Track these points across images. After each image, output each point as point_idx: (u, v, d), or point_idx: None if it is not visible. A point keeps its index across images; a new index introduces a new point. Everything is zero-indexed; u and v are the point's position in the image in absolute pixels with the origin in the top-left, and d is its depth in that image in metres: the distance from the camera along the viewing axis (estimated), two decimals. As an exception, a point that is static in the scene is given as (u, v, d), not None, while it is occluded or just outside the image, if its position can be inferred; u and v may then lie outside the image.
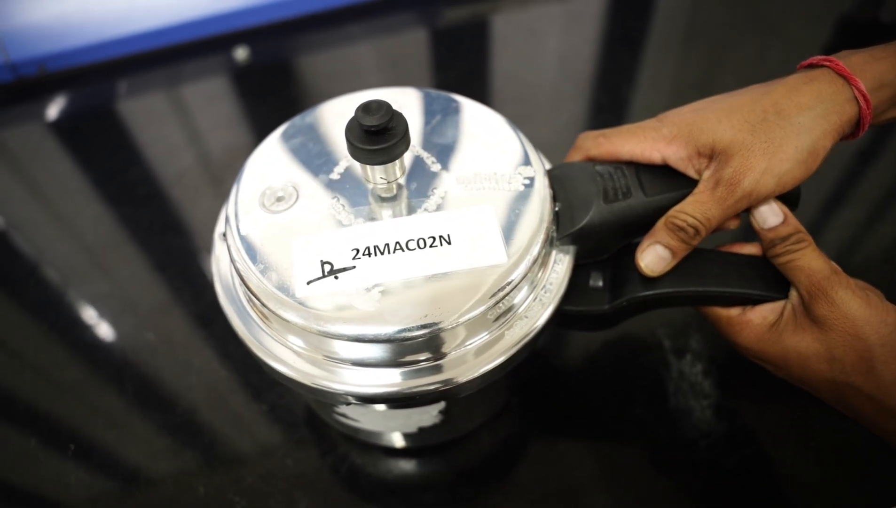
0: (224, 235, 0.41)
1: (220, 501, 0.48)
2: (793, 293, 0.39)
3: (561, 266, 0.40)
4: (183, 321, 0.58)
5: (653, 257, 0.40)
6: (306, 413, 0.52)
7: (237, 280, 0.39)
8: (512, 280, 0.36)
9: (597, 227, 0.40)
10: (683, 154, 0.40)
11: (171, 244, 0.63)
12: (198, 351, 0.55)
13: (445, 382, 0.36)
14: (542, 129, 0.71)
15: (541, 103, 0.75)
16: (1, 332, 0.59)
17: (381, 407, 0.41)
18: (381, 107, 0.34)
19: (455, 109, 0.44)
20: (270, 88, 0.78)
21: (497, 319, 0.37)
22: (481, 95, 0.76)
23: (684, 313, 0.55)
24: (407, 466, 0.49)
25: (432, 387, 0.36)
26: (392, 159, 0.36)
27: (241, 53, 0.80)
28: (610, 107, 0.74)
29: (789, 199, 0.41)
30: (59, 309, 0.60)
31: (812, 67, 0.40)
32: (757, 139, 0.37)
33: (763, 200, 0.39)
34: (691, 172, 0.40)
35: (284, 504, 0.47)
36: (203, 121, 0.75)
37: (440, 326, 0.34)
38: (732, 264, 0.41)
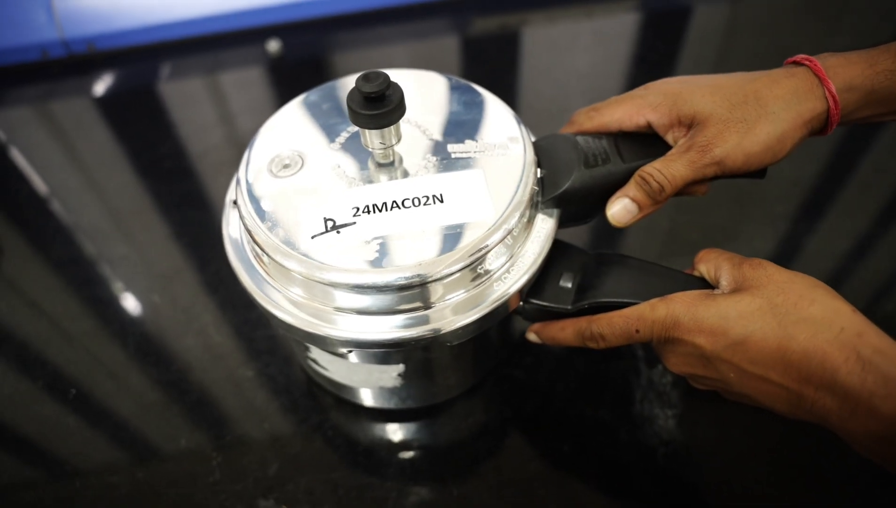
0: (234, 200, 0.45)
1: (199, 454, 0.51)
2: (722, 283, 0.40)
3: (546, 225, 0.44)
4: (187, 288, 0.61)
5: (620, 208, 0.43)
6: (287, 381, 0.55)
7: (246, 238, 0.43)
8: (499, 233, 0.39)
9: (578, 190, 0.43)
10: (666, 120, 0.43)
11: (187, 216, 0.67)
12: (197, 316, 0.59)
13: (435, 331, 0.39)
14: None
15: (561, 117, 0.77)
16: (25, 282, 0.64)
17: (363, 355, 0.44)
18: (379, 76, 0.38)
19: (455, 88, 0.48)
20: (301, 80, 0.82)
21: (484, 273, 0.40)
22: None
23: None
24: (378, 433, 0.52)
25: (424, 335, 0.39)
26: (388, 124, 0.39)
27: (273, 46, 0.84)
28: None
29: (757, 172, 0.44)
30: (79, 265, 0.64)
31: (796, 63, 0.43)
32: (734, 116, 0.41)
33: (729, 172, 0.42)
34: (669, 139, 0.44)
35: (257, 464, 0.51)
36: (234, 105, 0.80)
37: (431, 274, 0.38)
38: (670, 279, 0.43)
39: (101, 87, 0.83)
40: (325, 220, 0.40)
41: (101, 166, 0.74)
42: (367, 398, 0.52)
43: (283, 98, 0.80)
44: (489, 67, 0.84)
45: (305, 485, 0.49)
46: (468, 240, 0.39)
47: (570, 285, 0.44)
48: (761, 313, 0.36)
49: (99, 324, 0.60)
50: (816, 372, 0.34)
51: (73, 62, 0.84)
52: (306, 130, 0.45)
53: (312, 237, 0.39)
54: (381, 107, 0.38)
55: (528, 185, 0.42)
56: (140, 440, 0.52)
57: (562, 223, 0.45)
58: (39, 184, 0.73)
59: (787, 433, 0.51)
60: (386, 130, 0.40)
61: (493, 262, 0.41)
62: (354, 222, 0.40)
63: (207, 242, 0.65)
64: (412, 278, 0.38)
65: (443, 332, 0.40)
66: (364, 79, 0.38)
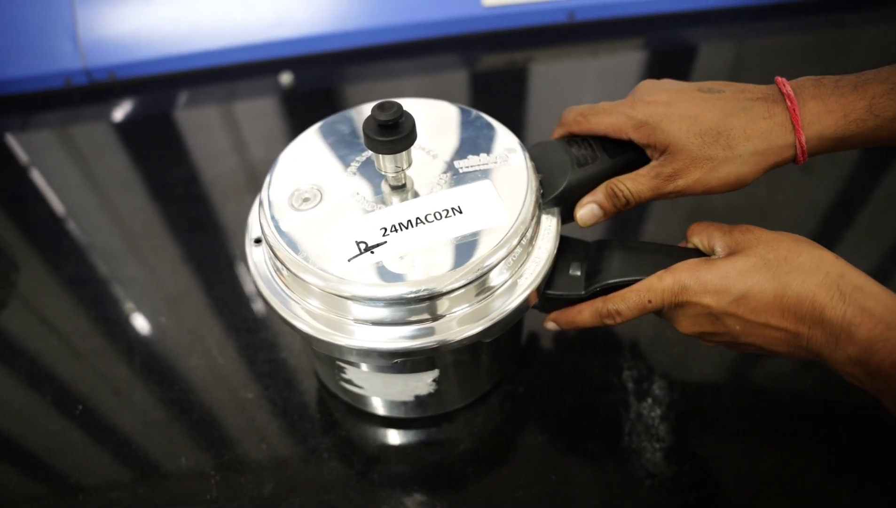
0: (258, 239, 0.48)
1: (198, 472, 0.53)
2: (717, 250, 0.45)
3: (551, 223, 0.49)
4: (193, 310, 0.64)
5: (587, 211, 0.49)
6: (285, 404, 0.57)
7: (278, 268, 0.45)
8: (518, 233, 0.44)
9: (574, 189, 0.48)
10: (644, 142, 0.47)
11: (196, 240, 0.70)
12: (202, 338, 0.61)
13: (490, 322, 0.44)
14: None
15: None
16: (39, 299, 0.66)
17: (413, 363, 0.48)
18: (393, 106, 0.42)
19: (452, 111, 0.53)
20: (312, 112, 0.85)
21: (509, 272, 0.45)
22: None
23: (653, 359, 0.58)
24: (372, 457, 0.53)
25: (487, 326, 0.44)
26: (402, 150, 0.43)
27: (285, 78, 0.87)
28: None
29: None
30: (90, 285, 0.67)
31: (781, 93, 0.45)
32: (702, 154, 0.45)
33: (689, 195, 0.47)
34: (647, 153, 0.48)
35: (253, 484, 0.52)
36: (247, 134, 0.82)
37: (475, 269, 0.42)
38: (669, 254, 0.47)
39: (119, 113, 0.87)
40: (357, 243, 0.43)
41: (117, 189, 0.77)
42: (398, 409, 0.54)
43: (294, 128, 0.83)
44: (496, 101, 0.87)
45: (299, 505, 0.51)
46: (494, 241, 0.43)
47: (579, 273, 0.48)
48: (757, 270, 0.41)
49: (107, 342, 0.62)
50: (808, 312, 0.39)
51: (94, 90, 0.88)
52: (320, 160, 0.49)
53: (349, 260, 0.42)
54: (395, 134, 0.42)
55: (534, 188, 0.46)
56: (142, 457, 0.54)
57: (563, 220, 0.50)
58: (57, 205, 0.76)
59: (775, 466, 0.52)
60: (399, 155, 0.43)
61: (515, 260, 0.45)
62: (385, 242, 0.43)
63: (214, 266, 0.67)
64: (462, 282, 0.42)
65: (496, 321, 0.44)
66: (379, 108, 0.42)
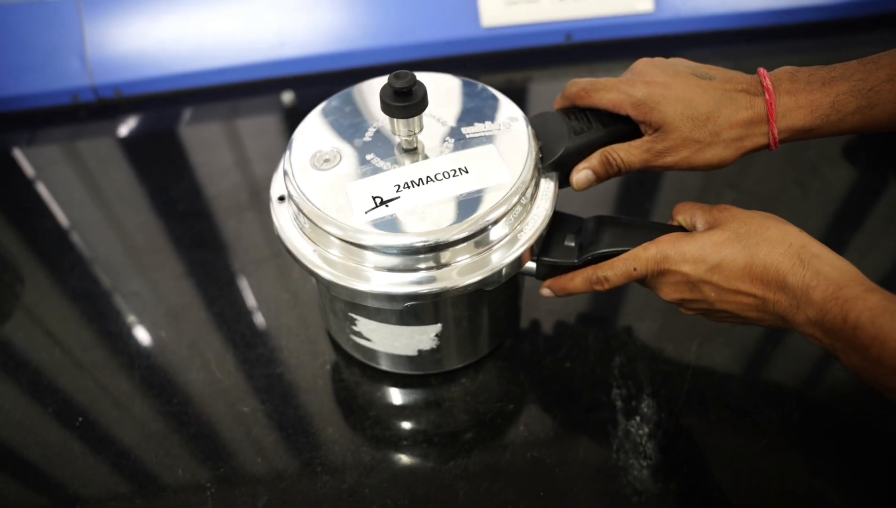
0: (282, 196, 0.53)
1: (194, 485, 0.54)
2: (697, 226, 0.50)
3: (549, 186, 0.53)
4: (193, 325, 0.65)
5: (583, 177, 0.53)
6: (281, 419, 0.58)
7: (301, 222, 0.50)
8: (519, 190, 0.49)
9: (571, 154, 0.53)
10: (641, 119, 0.51)
11: (197, 257, 0.71)
12: (200, 353, 0.63)
13: (493, 268, 0.49)
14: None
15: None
16: (43, 312, 0.68)
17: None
18: (408, 75, 0.47)
19: (460, 83, 0.57)
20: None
21: (512, 225, 0.50)
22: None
23: (644, 379, 0.59)
24: (363, 471, 0.55)
25: (492, 272, 0.49)
26: (416, 114, 0.48)
27: (287, 97, 0.89)
28: (636, 180, 0.79)
29: None
30: (93, 298, 0.68)
31: (762, 86, 0.49)
32: (691, 137, 0.50)
33: (672, 170, 0.52)
34: (641, 127, 0.52)
35: (248, 497, 0.53)
36: (249, 152, 0.84)
37: (479, 222, 0.47)
38: (655, 228, 0.52)
39: (125, 129, 0.88)
40: (373, 197, 0.48)
41: (121, 204, 0.78)
42: (400, 364, 0.59)
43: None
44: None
45: (292, 519, 0.52)
46: (499, 197, 0.48)
47: (573, 244, 0.53)
48: (730, 242, 0.46)
49: (108, 355, 0.63)
50: (773, 278, 0.44)
51: (100, 106, 0.90)
52: (336, 130, 0.53)
53: (365, 212, 0.47)
54: (409, 100, 0.47)
55: (534, 152, 0.51)
56: (140, 469, 0.55)
57: (560, 185, 0.54)
58: (62, 219, 0.77)
59: (761, 484, 0.53)
60: (412, 119, 0.48)
61: (515, 217, 0.49)
62: (398, 197, 0.48)
63: (214, 282, 0.68)
64: (466, 233, 0.47)
65: (497, 270, 0.49)
66: (395, 77, 0.47)
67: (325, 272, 0.48)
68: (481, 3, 0.93)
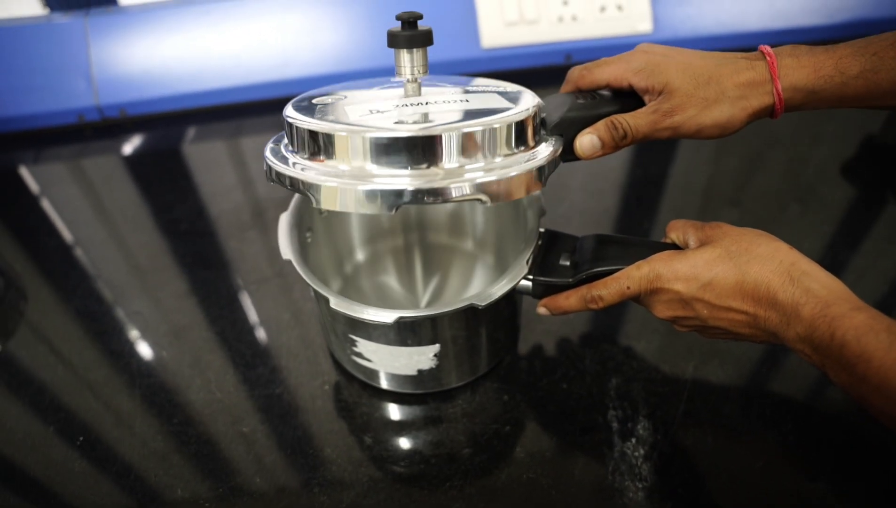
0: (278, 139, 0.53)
1: (193, 504, 0.55)
2: (690, 243, 0.51)
3: (551, 144, 0.50)
4: (194, 345, 0.66)
5: (587, 141, 0.51)
6: (279, 439, 0.58)
7: (300, 144, 0.48)
8: (519, 114, 0.47)
9: (572, 120, 0.52)
10: (643, 85, 0.52)
11: (199, 276, 0.72)
12: (201, 372, 0.63)
13: (481, 184, 0.46)
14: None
15: (560, 192, 0.81)
16: (46, 329, 0.68)
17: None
18: (413, 13, 0.48)
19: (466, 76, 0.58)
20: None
21: (516, 146, 0.48)
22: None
23: (640, 400, 0.59)
24: (361, 493, 0.55)
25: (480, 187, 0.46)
26: (421, 45, 0.48)
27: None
28: (635, 198, 0.80)
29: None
30: (96, 317, 0.69)
31: (762, 53, 0.51)
32: (697, 94, 0.50)
33: (682, 137, 0.51)
34: (644, 99, 0.52)
35: (246, 517, 0.54)
36: (251, 172, 0.85)
37: (476, 126, 0.45)
38: (648, 247, 0.52)
39: (129, 148, 0.90)
40: (370, 109, 0.48)
41: (124, 223, 0.80)
42: (400, 384, 0.59)
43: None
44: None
45: (289, 539, 0.52)
46: (498, 114, 0.47)
47: (567, 263, 0.54)
48: (722, 259, 0.47)
49: (110, 374, 0.64)
50: (764, 295, 0.45)
51: (105, 126, 0.91)
52: (337, 90, 0.54)
53: (361, 115, 0.47)
54: (414, 29, 0.48)
55: (538, 99, 0.50)
56: (140, 488, 0.56)
57: (562, 156, 0.53)
58: (67, 237, 0.78)
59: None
60: (417, 52, 0.49)
61: (515, 140, 0.48)
62: (393, 109, 0.48)
63: (216, 301, 0.69)
64: (462, 129, 0.45)
65: (496, 179, 0.45)
66: (402, 13, 0.48)
67: (332, 182, 0.45)
68: (481, 24, 0.94)
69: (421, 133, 0.44)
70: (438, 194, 0.45)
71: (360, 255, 0.71)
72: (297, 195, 0.60)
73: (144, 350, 0.66)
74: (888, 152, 0.86)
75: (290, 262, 0.55)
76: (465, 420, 0.59)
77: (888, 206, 0.78)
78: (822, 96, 0.50)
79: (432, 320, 0.52)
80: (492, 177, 0.45)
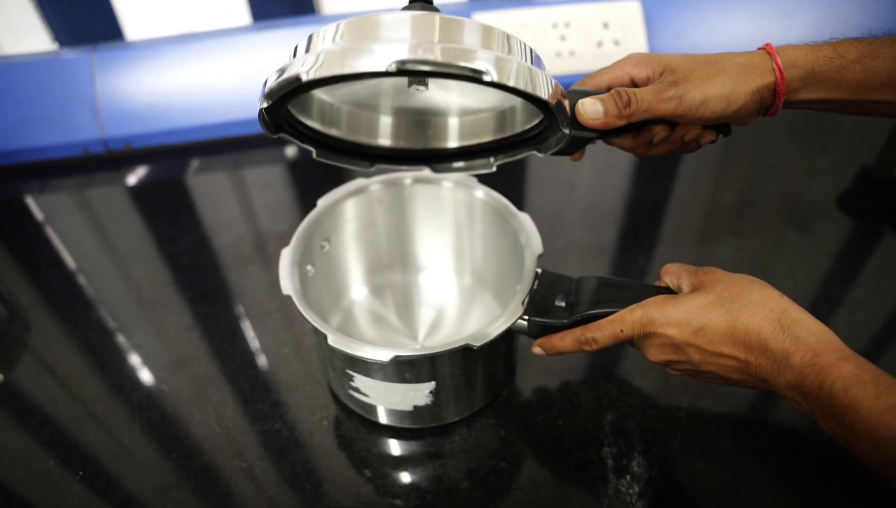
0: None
1: (191, 540, 0.55)
2: (683, 288, 0.51)
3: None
4: (194, 379, 0.66)
5: (590, 107, 0.51)
6: (278, 475, 0.59)
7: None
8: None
9: (579, 92, 0.52)
10: (644, 74, 0.54)
11: (200, 310, 0.73)
12: (201, 407, 0.64)
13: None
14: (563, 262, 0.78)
15: (572, 236, 0.82)
16: (51, 361, 0.69)
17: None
18: None
19: None
20: (315, 185, 0.89)
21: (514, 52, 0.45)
22: (517, 197, 0.84)
23: (635, 436, 0.60)
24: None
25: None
26: None
27: (290, 151, 0.92)
28: (632, 235, 0.81)
29: (721, 128, 0.57)
30: (98, 350, 0.70)
31: (770, 70, 0.53)
32: (698, 69, 0.51)
33: (687, 111, 0.51)
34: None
35: (243, 553, 0.54)
36: (253, 204, 0.86)
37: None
38: (642, 290, 0.53)
39: (133, 179, 0.91)
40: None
41: (128, 255, 0.81)
42: (397, 419, 0.60)
43: (299, 200, 0.87)
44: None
45: (286, 577, 0.53)
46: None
47: (563, 304, 0.55)
48: (713, 305, 0.47)
49: (112, 407, 0.65)
50: (755, 342, 0.45)
51: (109, 158, 0.93)
52: None
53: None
54: None
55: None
56: (138, 524, 0.56)
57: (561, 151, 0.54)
58: (71, 268, 0.79)
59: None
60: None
61: (520, 51, 0.45)
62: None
63: (216, 335, 0.70)
64: None
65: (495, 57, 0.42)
66: None
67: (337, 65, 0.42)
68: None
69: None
70: (438, 63, 0.41)
71: (359, 289, 0.72)
72: (298, 229, 0.61)
73: (145, 384, 0.67)
74: (884, 184, 0.87)
75: (290, 297, 0.56)
76: (462, 456, 0.60)
77: (885, 237, 0.78)
78: (821, 79, 0.52)
79: (428, 358, 0.53)
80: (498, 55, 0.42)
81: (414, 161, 0.61)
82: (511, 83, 0.42)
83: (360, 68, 0.42)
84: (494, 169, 0.60)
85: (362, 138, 0.59)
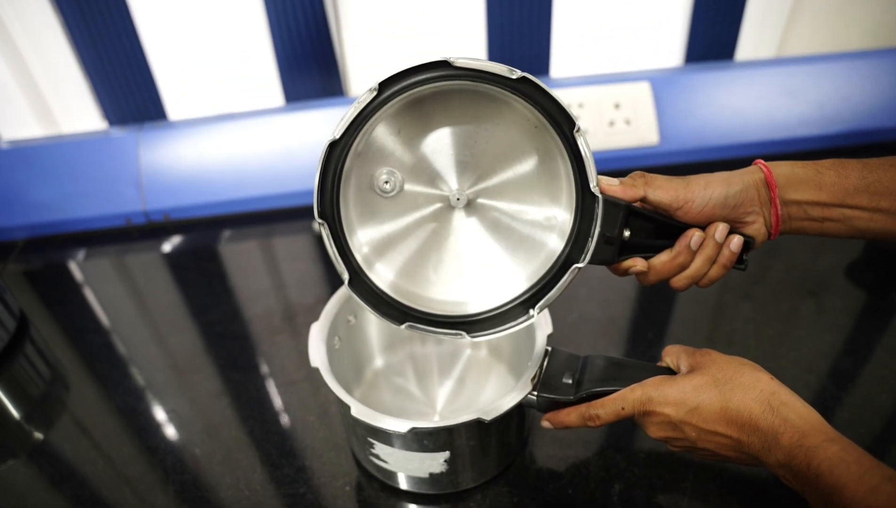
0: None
1: None
2: (681, 368, 0.55)
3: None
4: (224, 444, 0.70)
5: (612, 179, 0.56)
6: (302, 539, 0.62)
7: None
8: None
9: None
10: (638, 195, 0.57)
11: (230, 377, 0.78)
12: (231, 470, 0.68)
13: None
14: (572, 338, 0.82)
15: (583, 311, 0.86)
16: (88, 423, 0.74)
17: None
18: None
19: None
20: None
21: None
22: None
23: (641, 506, 0.62)
24: None
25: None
26: None
27: (316, 226, 0.97)
28: (642, 313, 0.84)
29: (745, 244, 0.59)
30: (135, 414, 0.74)
31: (758, 168, 0.57)
32: (691, 182, 0.56)
33: (654, 203, 0.56)
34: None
35: None
36: (283, 276, 0.92)
37: None
38: (644, 370, 0.57)
39: (168, 247, 0.97)
40: None
41: (164, 322, 0.86)
42: (415, 485, 0.64)
43: (328, 273, 0.92)
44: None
45: None
46: None
47: (570, 381, 0.59)
48: (707, 387, 0.51)
49: (146, 470, 0.69)
50: (746, 422, 0.49)
51: (149, 228, 0.99)
52: None
53: None
54: None
55: None
56: (170, 584, 0.60)
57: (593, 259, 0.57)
58: (111, 334, 0.85)
59: None
60: None
61: None
62: None
63: (245, 403, 0.74)
64: None
65: None
66: None
67: None
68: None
69: None
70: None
71: (380, 361, 0.76)
72: (327, 306, 0.66)
73: (179, 447, 0.71)
74: (892, 257, 0.90)
75: (317, 369, 0.61)
76: (476, 524, 0.62)
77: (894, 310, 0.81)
78: (802, 179, 0.55)
79: (443, 430, 0.57)
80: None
81: (448, 325, 0.59)
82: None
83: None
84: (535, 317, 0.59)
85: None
